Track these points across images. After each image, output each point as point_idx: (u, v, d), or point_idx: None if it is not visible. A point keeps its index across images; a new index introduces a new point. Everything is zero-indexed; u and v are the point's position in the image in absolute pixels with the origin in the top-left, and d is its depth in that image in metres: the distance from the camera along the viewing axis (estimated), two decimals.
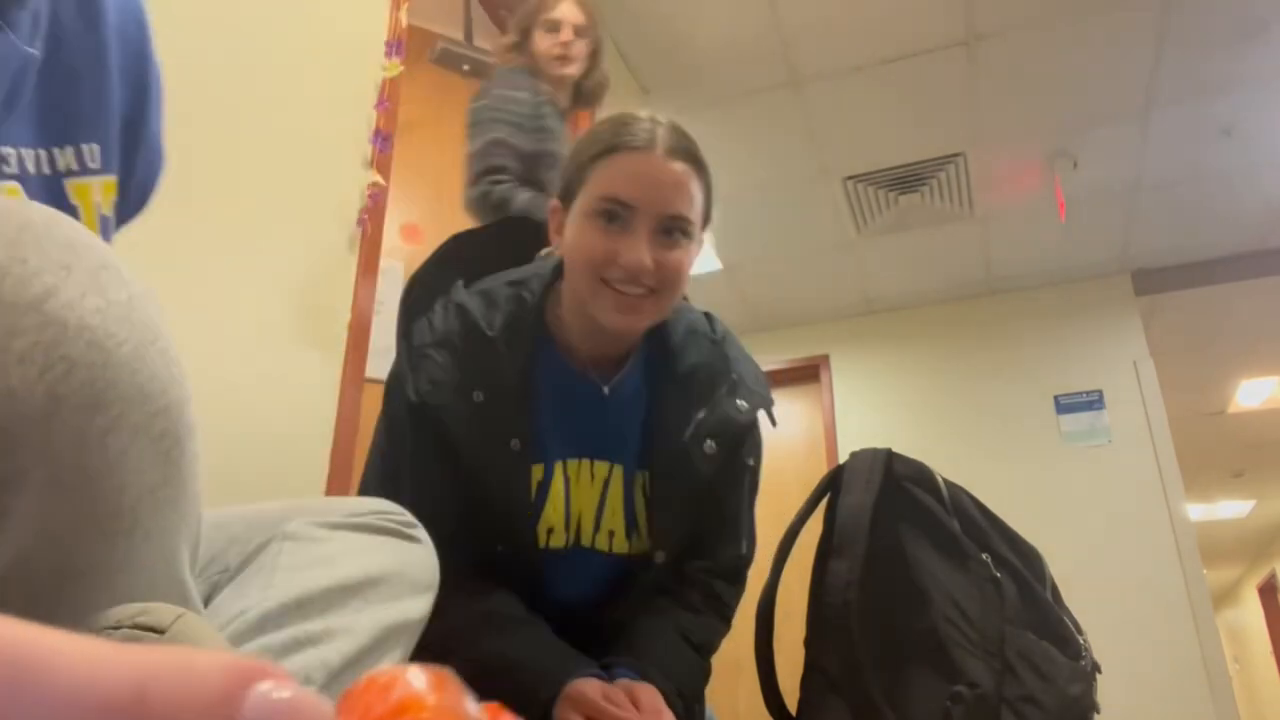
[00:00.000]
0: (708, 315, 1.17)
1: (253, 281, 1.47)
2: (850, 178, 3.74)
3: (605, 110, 2.85)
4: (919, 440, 4.20)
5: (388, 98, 1.85)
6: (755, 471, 1.13)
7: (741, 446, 1.09)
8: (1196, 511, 7.44)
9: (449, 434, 0.98)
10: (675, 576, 1.08)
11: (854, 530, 1.14)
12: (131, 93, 0.70)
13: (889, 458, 1.20)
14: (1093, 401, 4.18)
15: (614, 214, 0.96)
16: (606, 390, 1.06)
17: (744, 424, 1.07)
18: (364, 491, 1.12)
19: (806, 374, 4.82)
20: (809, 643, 1.16)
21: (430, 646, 0.95)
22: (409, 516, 0.80)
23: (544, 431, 1.04)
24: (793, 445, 4.69)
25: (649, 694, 0.93)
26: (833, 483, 1.23)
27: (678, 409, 1.06)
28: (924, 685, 1.06)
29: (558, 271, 1.07)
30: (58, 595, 0.41)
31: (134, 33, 0.71)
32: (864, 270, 4.45)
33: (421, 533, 0.79)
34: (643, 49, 3.13)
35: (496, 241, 1.14)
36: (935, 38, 2.97)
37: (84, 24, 0.64)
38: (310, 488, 1.51)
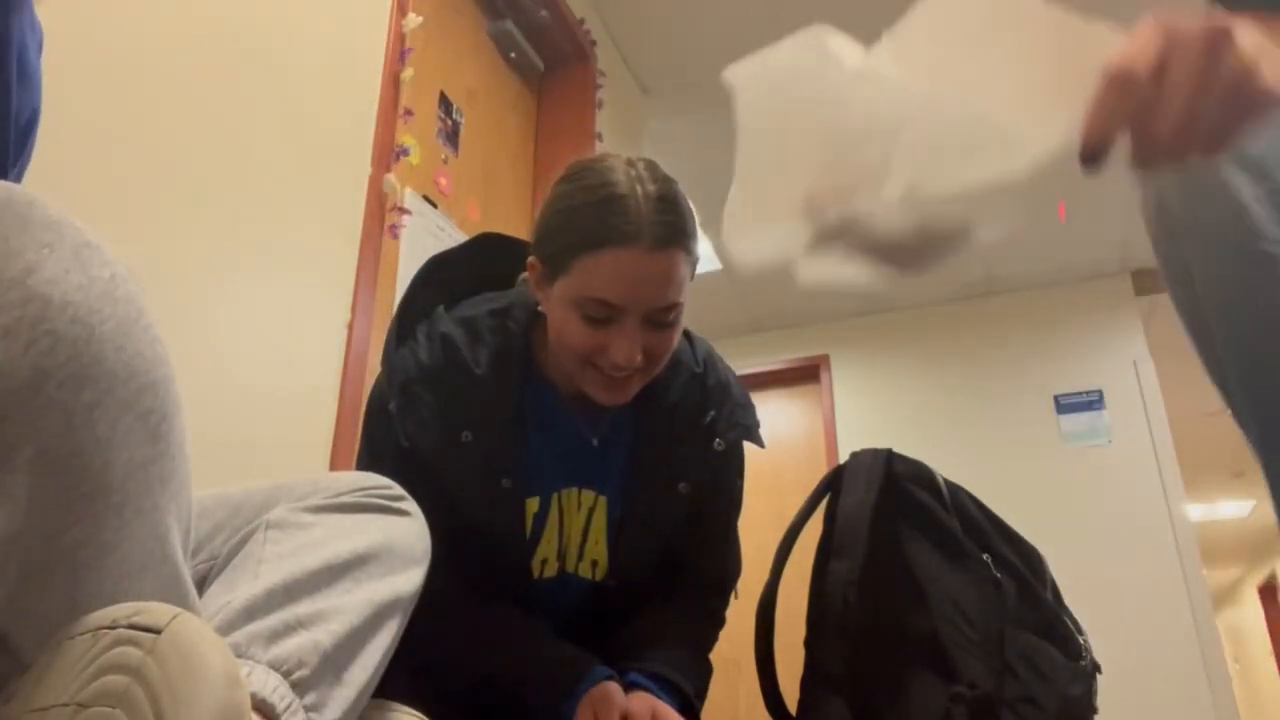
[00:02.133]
0: (689, 337, 1.14)
1: (262, 267, 1.47)
2: None
3: (610, 108, 2.85)
4: (919, 440, 4.20)
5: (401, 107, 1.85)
6: (737, 494, 1.16)
7: (718, 477, 1.11)
8: (1196, 511, 7.44)
9: (438, 474, 0.98)
10: (673, 592, 1.12)
11: (854, 530, 1.14)
12: None
13: (889, 458, 1.20)
14: (1093, 401, 4.17)
15: (601, 314, 0.93)
16: (596, 443, 1.06)
17: (718, 461, 1.09)
18: None
19: (806, 374, 4.82)
20: (809, 643, 1.15)
21: (442, 663, 0.97)
22: (396, 489, 0.78)
23: (536, 464, 1.04)
24: (793, 445, 4.68)
25: (667, 714, 0.95)
26: (833, 483, 1.23)
27: (658, 450, 1.07)
28: (924, 686, 1.06)
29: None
30: (51, 572, 0.41)
31: None
32: None
33: (410, 504, 0.78)
34: (643, 49, 3.13)
35: (470, 262, 1.13)
36: None
37: None
38: (317, 451, 1.51)
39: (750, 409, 1.12)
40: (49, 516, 0.40)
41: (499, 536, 1.01)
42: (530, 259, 1.01)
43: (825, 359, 4.76)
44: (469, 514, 0.99)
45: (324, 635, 0.59)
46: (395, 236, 1.86)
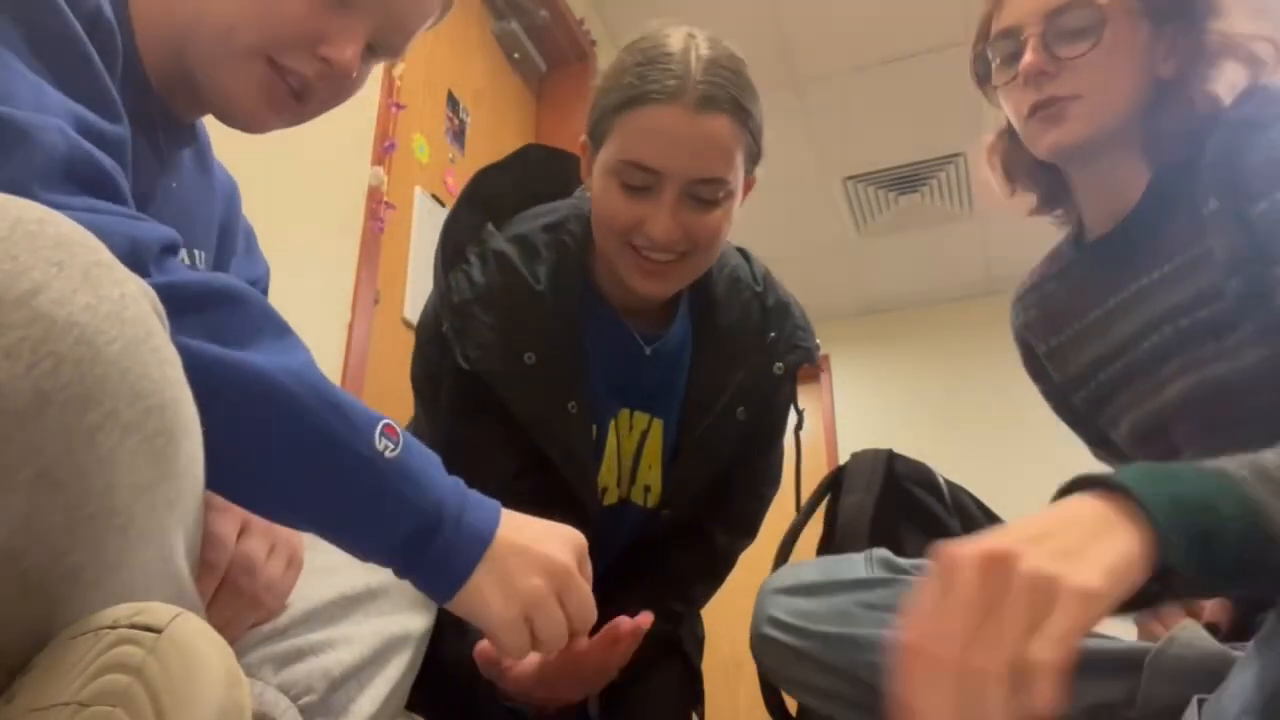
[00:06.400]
0: (744, 255, 1.11)
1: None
2: (850, 178, 3.73)
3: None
4: (919, 440, 4.19)
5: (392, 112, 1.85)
6: (784, 423, 1.14)
7: (773, 404, 1.08)
8: None
9: (501, 399, 0.92)
10: (676, 533, 1.07)
11: (855, 530, 1.14)
12: None
13: (890, 458, 1.20)
14: None
15: (638, 179, 0.87)
16: (649, 352, 1.01)
17: (777, 386, 1.06)
18: None
19: (806, 374, 4.81)
20: None
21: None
22: None
23: (596, 391, 0.99)
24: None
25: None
26: (833, 483, 1.22)
27: (716, 371, 1.02)
28: None
29: None
30: (51, 594, 0.41)
31: None
32: (864, 270, 4.45)
33: None
34: None
35: (515, 176, 1.04)
36: (935, 38, 2.97)
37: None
38: None
39: (810, 331, 1.09)
40: (49, 538, 0.39)
41: (568, 461, 0.95)
42: (581, 140, 0.95)
43: (825, 359, 4.76)
44: (536, 437, 0.93)
45: (333, 663, 0.60)
46: (380, 230, 1.83)
